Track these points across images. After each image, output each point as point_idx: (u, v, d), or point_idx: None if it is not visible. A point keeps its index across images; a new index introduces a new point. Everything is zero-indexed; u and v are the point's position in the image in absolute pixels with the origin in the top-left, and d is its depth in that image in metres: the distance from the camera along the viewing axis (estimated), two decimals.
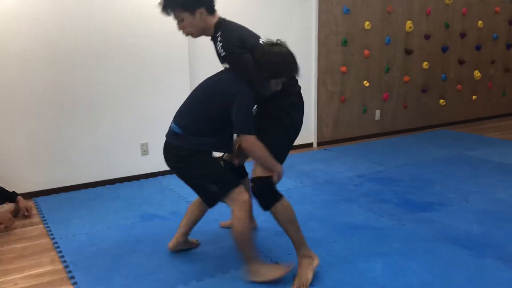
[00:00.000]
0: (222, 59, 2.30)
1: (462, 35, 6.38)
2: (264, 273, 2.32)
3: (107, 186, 4.04)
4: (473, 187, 3.81)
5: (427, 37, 6.05)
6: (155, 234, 3.01)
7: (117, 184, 4.09)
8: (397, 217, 3.20)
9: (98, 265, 2.60)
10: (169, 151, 2.38)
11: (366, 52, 5.59)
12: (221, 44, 2.19)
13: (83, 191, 3.92)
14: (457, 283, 2.33)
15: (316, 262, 2.38)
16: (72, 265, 2.60)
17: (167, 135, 2.42)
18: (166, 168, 4.25)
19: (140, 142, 4.21)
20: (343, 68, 5.47)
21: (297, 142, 5.13)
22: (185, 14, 2.18)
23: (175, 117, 2.41)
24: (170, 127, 2.40)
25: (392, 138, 5.84)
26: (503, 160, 4.61)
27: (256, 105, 2.23)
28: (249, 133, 2.20)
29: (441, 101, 6.41)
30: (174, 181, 4.14)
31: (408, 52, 5.94)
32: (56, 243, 2.91)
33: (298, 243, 2.37)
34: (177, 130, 2.33)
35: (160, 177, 4.28)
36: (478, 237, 2.87)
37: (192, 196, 3.68)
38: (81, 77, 3.86)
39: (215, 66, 4.56)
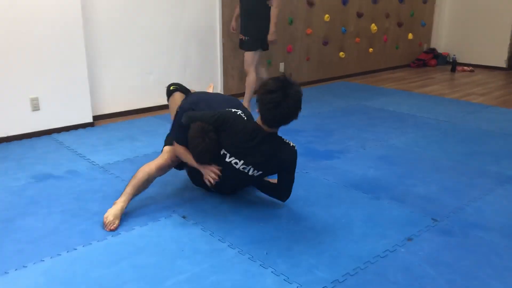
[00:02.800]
0: None
1: None
2: (110, 213, 2.42)
3: None
4: (370, 135, 4.03)
5: None
6: (51, 194, 2.79)
7: (5, 143, 3.71)
8: (301, 166, 3.27)
9: None
10: None
11: None
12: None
13: None
14: (356, 224, 2.46)
15: None
16: None
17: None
18: (61, 125, 4.01)
19: (29, 96, 3.82)
20: None
21: None
22: None
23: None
24: None
25: None
26: (396, 109, 4.93)
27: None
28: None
29: (341, 53, 6.63)
30: (71, 138, 3.88)
31: (310, 4, 5.99)
32: None
33: None
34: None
35: (55, 134, 3.96)
36: (374, 180, 3.05)
37: (90, 154, 3.48)
38: None
39: (109, 15, 4.24)
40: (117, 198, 2.51)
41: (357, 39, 6.80)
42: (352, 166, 3.30)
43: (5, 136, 3.75)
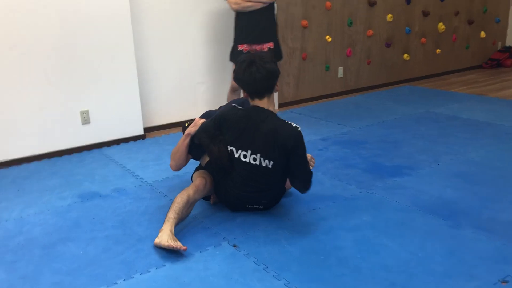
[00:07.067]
0: None
1: None
2: (163, 238, 2.19)
3: (44, 161, 3.58)
4: (443, 147, 3.58)
5: None
6: (95, 216, 2.62)
7: (55, 158, 3.63)
8: (366, 184, 2.94)
9: (25, 259, 2.20)
10: None
11: (328, 4, 5.20)
12: None
13: (14, 168, 3.45)
14: (436, 260, 2.08)
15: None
16: None
17: None
18: (111, 138, 3.90)
19: (79, 110, 3.73)
20: (304, 22, 5.08)
21: None
22: None
23: None
24: None
25: (356, 96, 5.56)
26: (471, 117, 4.42)
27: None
28: None
29: (405, 55, 6.15)
30: (121, 152, 3.74)
31: (371, 4, 5.58)
32: None
33: None
34: None
35: (105, 148, 3.85)
36: (453, 203, 2.64)
37: (139, 170, 3.31)
38: (7, 37, 3.31)
39: (159, 25, 4.09)
40: (163, 221, 2.30)
41: (423, 40, 6.29)
42: (425, 185, 2.90)
43: (56, 150, 3.67)
